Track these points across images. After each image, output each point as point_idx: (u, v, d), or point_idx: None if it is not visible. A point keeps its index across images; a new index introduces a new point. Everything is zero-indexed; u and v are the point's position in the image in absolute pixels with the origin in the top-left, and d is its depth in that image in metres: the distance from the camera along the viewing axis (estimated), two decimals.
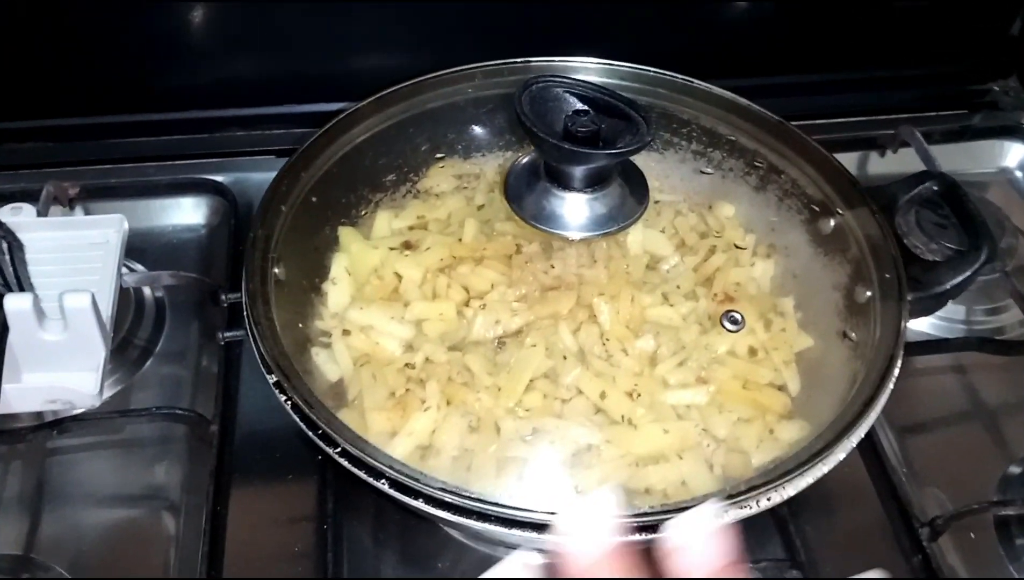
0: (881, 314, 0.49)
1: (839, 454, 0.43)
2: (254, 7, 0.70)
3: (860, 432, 0.43)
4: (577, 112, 0.45)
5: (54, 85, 0.72)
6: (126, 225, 0.63)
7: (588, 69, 0.59)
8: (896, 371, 0.45)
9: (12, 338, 0.54)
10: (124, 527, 0.54)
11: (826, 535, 0.54)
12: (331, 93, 0.72)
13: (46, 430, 0.56)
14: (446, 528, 0.55)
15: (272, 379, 0.44)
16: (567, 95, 0.46)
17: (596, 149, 0.44)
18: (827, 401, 0.49)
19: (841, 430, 0.44)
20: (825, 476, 0.45)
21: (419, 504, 0.39)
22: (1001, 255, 0.66)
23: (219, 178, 0.71)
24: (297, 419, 0.42)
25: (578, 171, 0.46)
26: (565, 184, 0.48)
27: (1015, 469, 0.60)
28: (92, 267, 0.61)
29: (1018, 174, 0.79)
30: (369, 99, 0.57)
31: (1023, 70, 0.82)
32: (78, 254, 0.62)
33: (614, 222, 0.49)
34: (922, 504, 0.56)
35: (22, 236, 0.61)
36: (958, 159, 0.77)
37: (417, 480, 0.39)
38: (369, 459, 0.40)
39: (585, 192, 0.48)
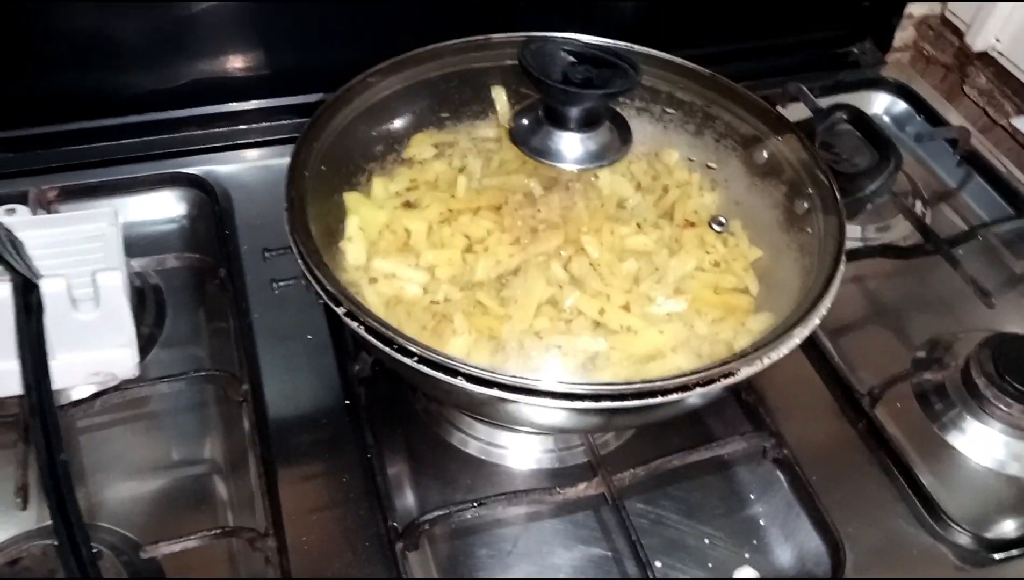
0: (823, 217, 0.59)
1: (814, 320, 0.52)
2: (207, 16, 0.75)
3: (828, 300, 0.53)
4: (572, 63, 0.54)
5: (13, 97, 0.74)
6: (119, 216, 0.67)
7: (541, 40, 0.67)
8: (844, 258, 0.56)
9: (48, 320, 0.57)
10: (174, 486, 0.59)
11: (787, 414, 0.65)
12: (290, 88, 0.78)
13: (86, 404, 0.59)
14: (465, 450, 0.62)
15: (342, 310, 0.49)
16: (560, 51, 0.54)
17: (592, 90, 0.53)
18: (785, 296, 0.59)
19: (812, 303, 0.53)
20: (778, 370, 0.54)
21: (494, 391, 0.46)
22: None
23: (192, 171, 0.76)
24: (373, 339, 0.48)
25: (576, 112, 0.55)
26: (564, 125, 0.56)
27: (921, 352, 0.72)
28: (95, 258, 0.64)
29: (885, 118, 0.93)
30: (356, 78, 0.63)
31: (875, 33, 0.97)
32: (78, 247, 0.65)
33: (605, 158, 0.57)
34: (858, 383, 0.67)
35: (20, 234, 0.64)
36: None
37: (492, 372, 0.46)
38: (445, 361, 0.47)
39: (580, 131, 0.56)
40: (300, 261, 0.52)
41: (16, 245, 0.62)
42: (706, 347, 0.58)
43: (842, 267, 0.55)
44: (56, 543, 0.50)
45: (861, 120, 0.63)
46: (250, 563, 0.54)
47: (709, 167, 0.67)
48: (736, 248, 0.63)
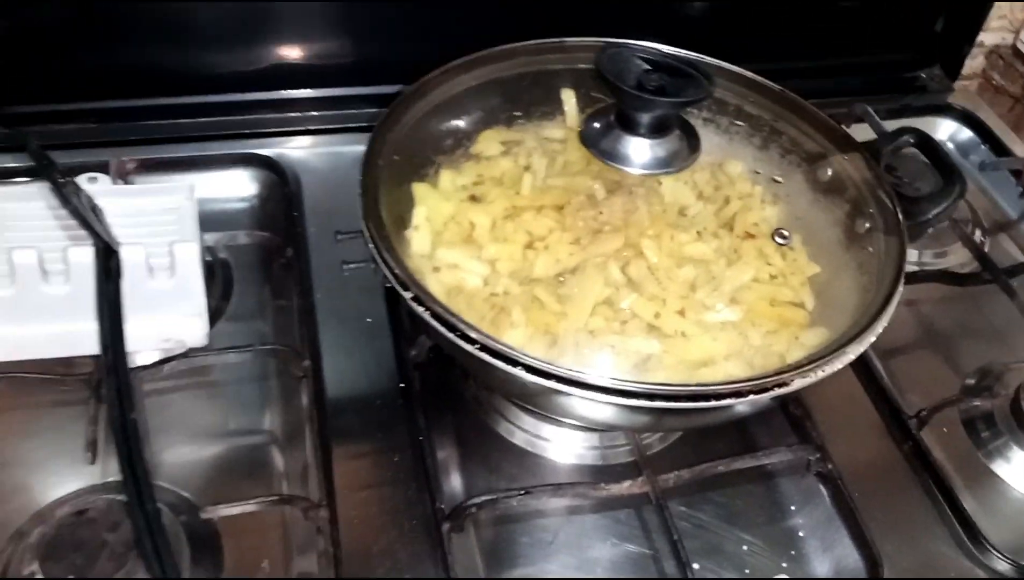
0: (883, 238, 0.60)
1: (870, 338, 0.53)
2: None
3: (884, 320, 0.54)
4: (647, 70, 0.55)
5: (98, 69, 0.77)
6: (196, 191, 0.69)
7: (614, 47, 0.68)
8: (902, 278, 0.56)
9: (125, 286, 0.59)
10: (233, 453, 0.61)
11: (833, 430, 0.65)
12: (368, 78, 0.80)
13: (154, 369, 0.61)
14: (512, 439, 0.64)
15: (409, 295, 0.51)
16: (635, 58, 0.55)
17: (667, 97, 0.54)
18: (841, 313, 0.59)
19: (868, 321, 0.54)
20: (827, 386, 0.54)
21: (551, 383, 0.48)
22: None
23: (265, 152, 0.78)
24: (437, 325, 0.50)
25: (647, 118, 0.56)
26: (634, 131, 0.57)
27: (971, 380, 0.72)
28: (171, 229, 0.67)
29: (949, 145, 0.93)
30: (432, 73, 0.65)
31: (944, 60, 0.97)
32: (155, 218, 0.68)
33: (673, 164, 0.58)
34: (906, 405, 0.68)
35: (100, 202, 0.67)
36: None
37: (550, 363, 0.48)
38: (505, 350, 0.48)
39: (651, 137, 0.57)
40: (371, 245, 0.54)
41: (96, 212, 0.65)
42: (759, 358, 0.59)
43: (901, 287, 0.56)
44: (121, 498, 0.52)
45: (928, 145, 0.63)
46: (301, 532, 0.56)
47: (773, 181, 0.68)
48: (795, 262, 0.64)
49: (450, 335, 0.49)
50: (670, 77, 0.55)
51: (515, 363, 0.48)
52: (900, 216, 0.59)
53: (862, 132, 0.85)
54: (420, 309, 0.51)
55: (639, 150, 0.58)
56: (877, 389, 0.68)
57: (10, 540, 0.53)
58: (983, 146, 0.91)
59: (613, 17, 0.81)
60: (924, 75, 0.97)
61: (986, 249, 0.81)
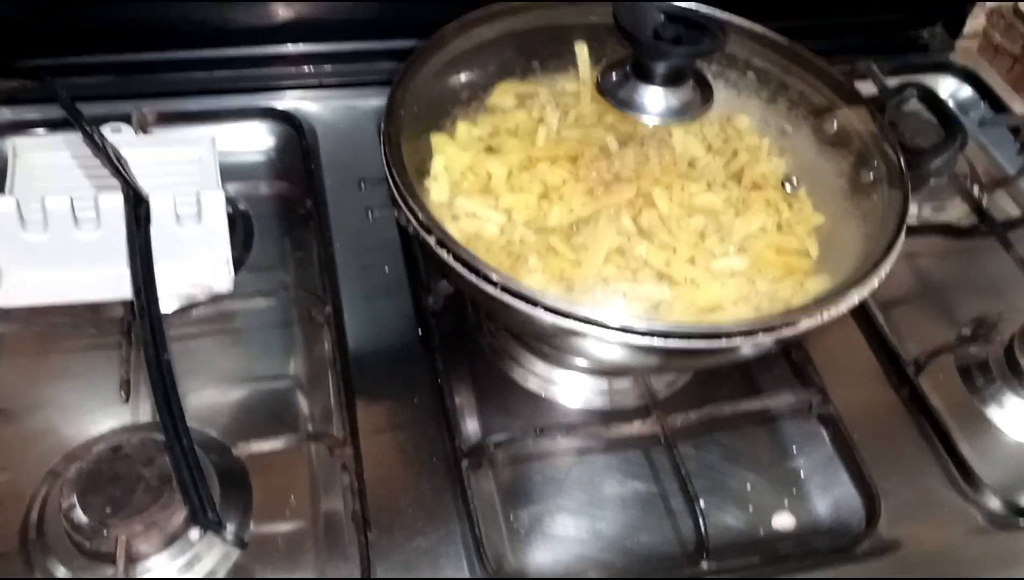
0: (887, 189, 0.62)
1: (873, 282, 0.55)
2: None
3: (888, 264, 0.56)
4: (663, 22, 0.57)
5: (119, 22, 0.78)
6: (216, 143, 0.71)
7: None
8: (904, 225, 0.58)
9: (153, 232, 0.61)
10: (259, 396, 0.63)
11: (834, 375, 0.67)
12: (379, 32, 0.82)
13: (182, 315, 0.64)
14: (526, 386, 0.66)
15: (433, 239, 0.53)
16: (652, 11, 0.57)
17: (684, 47, 0.56)
18: (844, 261, 0.61)
19: (868, 270, 0.56)
20: (827, 333, 0.57)
21: (570, 323, 0.50)
22: (947, 163, 0.81)
23: (281, 106, 0.80)
24: (459, 266, 0.52)
25: (663, 68, 0.58)
26: (650, 80, 0.59)
27: (966, 329, 0.74)
28: (194, 180, 0.69)
29: (950, 101, 0.95)
30: (448, 26, 0.67)
31: (946, 18, 0.98)
32: (177, 168, 0.70)
33: (687, 113, 0.60)
34: (904, 352, 0.70)
35: (124, 152, 0.68)
36: None
37: (569, 303, 0.50)
38: (526, 291, 0.51)
39: (666, 86, 0.59)
40: (395, 191, 0.56)
41: (122, 161, 0.67)
42: (765, 303, 0.61)
43: (903, 235, 0.58)
44: (155, 436, 0.55)
45: (930, 98, 0.65)
46: (326, 469, 0.59)
47: (781, 133, 0.70)
48: (800, 212, 0.66)
49: (473, 277, 0.52)
50: (685, 29, 0.57)
51: (535, 303, 0.51)
52: (903, 167, 0.61)
53: (866, 89, 0.87)
54: (443, 252, 0.53)
55: (654, 99, 0.60)
56: (877, 337, 0.71)
57: (46, 477, 0.56)
58: (983, 103, 0.93)
59: None
60: (926, 34, 0.98)
61: (984, 204, 0.83)
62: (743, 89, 0.71)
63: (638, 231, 0.63)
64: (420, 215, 0.54)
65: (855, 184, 0.65)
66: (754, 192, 0.66)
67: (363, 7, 0.82)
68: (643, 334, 0.50)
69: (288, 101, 0.81)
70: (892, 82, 0.88)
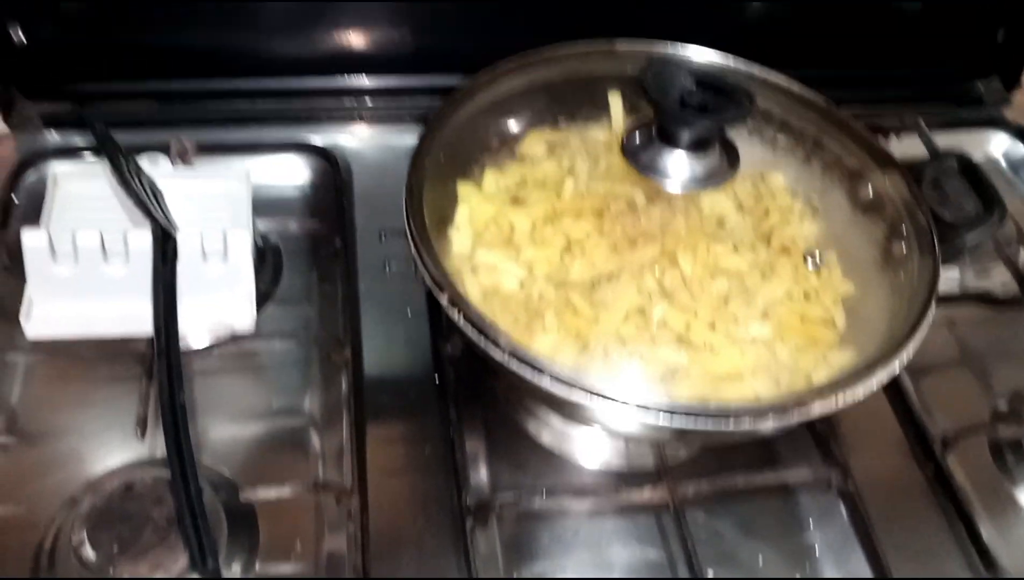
0: (917, 262, 0.60)
1: (895, 366, 0.54)
2: None
3: (912, 347, 0.54)
4: (690, 88, 0.56)
5: (166, 49, 0.80)
6: (251, 177, 0.72)
7: (663, 53, 0.69)
8: (934, 304, 0.57)
9: (180, 269, 0.62)
10: (273, 437, 0.63)
11: (857, 449, 0.66)
12: (425, 68, 0.82)
13: (204, 353, 0.65)
14: (539, 440, 0.66)
15: (444, 298, 0.53)
16: (680, 73, 0.56)
17: (706, 117, 0.55)
18: (871, 334, 0.60)
19: (892, 351, 0.55)
20: (854, 406, 0.55)
21: (575, 395, 0.50)
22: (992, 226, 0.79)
23: (318, 141, 0.80)
24: (469, 329, 0.52)
25: (687, 134, 0.57)
26: (675, 145, 0.58)
27: (1003, 404, 0.72)
28: (226, 214, 0.70)
29: (1001, 159, 0.92)
30: (487, 72, 0.67)
31: (1003, 71, 0.95)
32: (211, 202, 0.71)
33: (711, 181, 0.59)
34: (933, 428, 0.68)
35: (160, 183, 0.70)
36: (951, 145, 0.89)
37: (575, 375, 0.50)
38: (533, 359, 0.50)
39: (690, 153, 0.58)
40: (412, 247, 0.56)
41: (156, 193, 0.68)
42: (785, 375, 0.60)
43: (931, 315, 0.56)
44: (167, 475, 0.56)
45: (971, 170, 0.64)
46: (333, 515, 0.59)
47: (814, 195, 0.68)
48: (828, 280, 0.64)
49: (481, 340, 0.51)
50: (713, 95, 0.56)
51: (541, 371, 0.50)
52: (935, 241, 0.60)
53: (912, 143, 0.86)
54: (454, 312, 0.53)
55: (678, 165, 0.59)
56: (905, 409, 0.69)
57: (62, 507, 0.57)
58: None
59: (666, 19, 0.81)
60: (981, 86, 0.95)
61: None
62: (778, 147, 0.70)
63: (660, 291, 0.62)
64: (434, 272, 0.54)
65: (887, 254, 0.64)
66: (782, 256, 0.65)
67: (406, 41, 0.83)
68: (647, 410, 0.49)
69: (328, 134, 0.82)
70: (942, 138, 0.86)
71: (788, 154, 0.70)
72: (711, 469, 0.63)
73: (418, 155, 0.60)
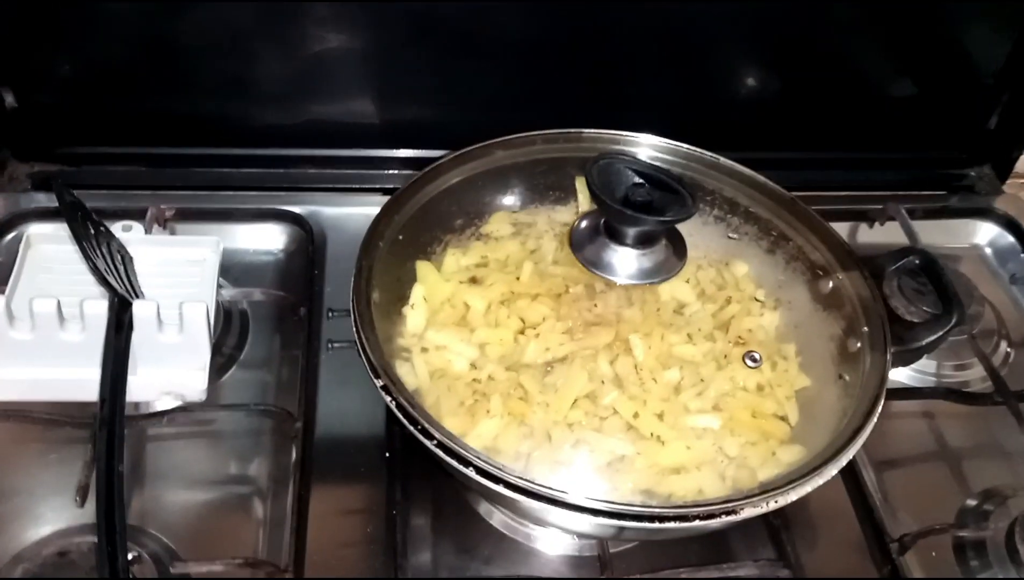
0: (869, 362, 0.59)
1: (830, 471, 0.53)
2: (337, 62, 0.81)
3: (848, 455, 0.53)
4: (635, 184, 0.56)
5: (154, 116, 0.82)
6: (222, 246, 0.73)
7: (632, 142, 0.70)
8: (879, 408, 0.56)
9: (135, 338, 0.63)
10: (219, 505, 0.64)
11: (811, 544, 0.65)
12: (401, 141, 0.84)
13: (156, 418, 0.65)
14: (489, 521, 0.65)
15: (380, 383, 0.53)
16: (627, 170, 0.57)
17: (650, 216, 0.55)
18: (821, 431, 0.59)
19: (832, 454, 0.54)
20: (813, 497, 0.54)
21: (499, 488, 0.49)
22: (969, 320, 0.77)
23: (296, 209, 0.82)
24: (400, 416, 0.52)
25: (633, 231, 0.57)
26: (621, 240, 0.58)
27: (971, 502, 0.70)
28: (192, 281, 0.71)
29: (987, 250, 0.91)
30: (449, 155, 0.68)
31: (996, 160, 0.94)
32: (179, 269, 0.72)
33: (657, 275, 0.59)
34: (893, 525, 0.66)
35: (132, 250, 0.71)
36: (937, 234, 0.88)
37: (500, 469, 0.49)
38: (460, 450, 0.50)
39: (636, 248, 0.58)
40: (354, 329, 0.56)
41: (126, 260, 0.70)
42: (731, 470, 0.59)
43: (874, 420, 0.55)
44: None
45: (931, 269, 0.63)
46: None
47: (777, 286, 0.68)
48: (784, 373, 0.64)
49: (411, 428, 0.51)
50: (659, 192, 0.56)
51: (468, 464, 0.50)
52: (888, 341, 0.59)
53: (894, 232, 0.85)
54: (387, 398, 0.53)
55: (624, 260, 0.59)
56: (864, 505, 0.67)
57: None
58: (1023, 256, 0.88)
59: (636, 107, 0.83)
60: (973, 173, 0.94)
61: (1010, 362, 0.79)
62: (743, 236, 0.70)
63: (612, 377, 0.62)
64: (372, 356, 0.54)
65: (843, 350, 0.63)
66: (737, 347, 0.64)
67: (388, 113, 0.84)
68: (573, 509, 0.49)
69: (305, 204, 0.83)
70: (927, 227, 0.86)
71: (753, 244, 0.70)
72: (657, 560, 0.62)
73: (371, 236, 0.61)
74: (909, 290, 0.63)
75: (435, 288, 0.65)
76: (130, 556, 0.58)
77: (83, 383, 0.62)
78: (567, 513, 0.49)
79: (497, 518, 0.65)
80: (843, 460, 0.53)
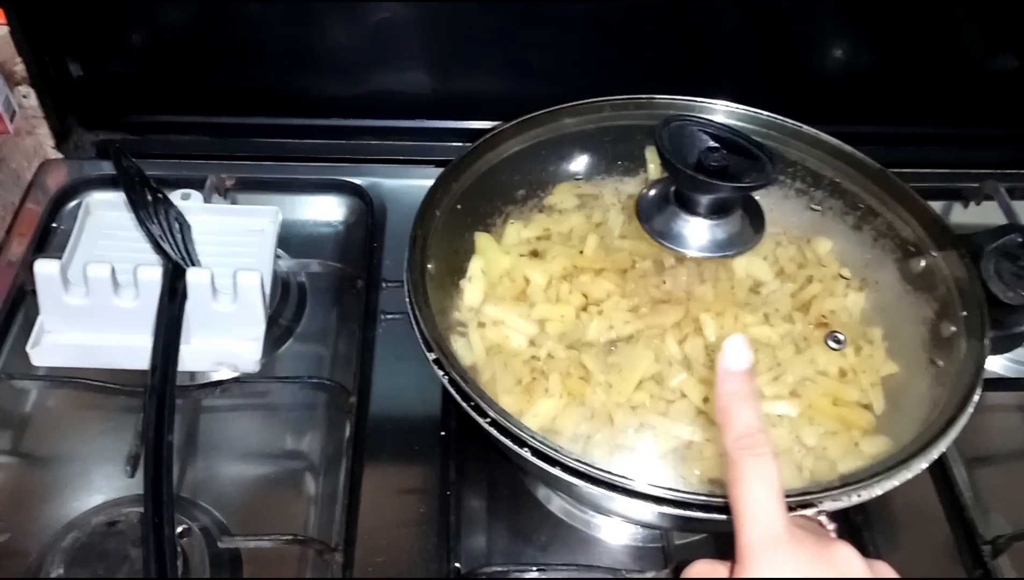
0: (965, 348, 0.54)
1: (919, 465, 0.48)
2: (400, 31, 0.78)
3: (940, 448, 0.49)
4: (710, 148, 0.52)
5: (216, 85, 0.81)
6: (280, 216, 0.72)
7: (708, 109, 0.66)
8: (975, 398, 0.51)
9: (189, 306, 0.62)
10: (271, 480, 0.62)
11: (895, 545, 0.60)
12: (463, 112, 0.81)
13: (210, 388, 0.64)
14: (548, 506, 0.62)
15: (432, 357, 0.51)
16: (700, 133, 0.52)
17: (726, 181, 0.51)
18: (909, 422, 0.54)
19: (921, 446, 0.49)
20: (899, 493, 0.50)
21: (555, 471, 0.46)
22: None
23: (357, 181, 0.80)
24: (453, 392, 0.49)
25: (706, 199, 0.53)
26: (692, 210, 0.54)
27: None
28: (250, 251, 0.70)
29: None
30: (511, 122, 0.64)
31: None
32: (238, 238, 0.71)
33: (732, 247, 0.55)
34: (985, 526, 0.61)
35: (190, 219, 0.70)
36: None
37: (557, 451, 0.46)
38: (516, 429, 0.47)
39: (709, 218, 0.54)
40: (407, 300, 0.54)
41: (183, 228, 0.69)
42: (809, 461, 0.55)
43: (969, 410, 0.50)
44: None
45: None
46: (319, 567, 0.57)
47: (863, 265, 0.63)
48: (869, 359, 0.59)
49: (464, 404, 0.49)
50: (735, 156, 0.52)
51: (523, 444, 0.47)
52: (986, 326, 0.54)
53: (991, 211, 0.79)
54: (439, 372, 0.50)
55: (696, 231, 0.55)
56: (954, 503, 0.62)
57: (49, 538, 0.57)
58: None
59: (722, 75, 0.78)
60: None
61: None
62: (828, 211, 0.65)
63: (682, 358, 0.58)
64: (424, 328, 0.51)
65: (935, 335, 0.58)
66: (819, 329, 0.60)
67: (450, 84, 0.82)
68: (632, 495, 0.45)
69: (367, 175, 0.80)
70: (1020, 207, 0.79)
71: (838, 219, 0.65)
72: (725, 555, 0.57)
73: (427, 205, 0.58)
74: (1008, 273, 0.58)
75: (494, 261, 0.62)
76: (179, 528, 0.57)
77: (137, 350, 0.61)
78: (628, 500, 0.46)
79: (556, 504, 0.62)
80: (934, 453, 0.48)
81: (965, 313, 0.56)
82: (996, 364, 0.71)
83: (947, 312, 0.57)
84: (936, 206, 0.79)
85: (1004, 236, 0.59)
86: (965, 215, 0.83)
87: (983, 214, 0.81)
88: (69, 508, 0.58)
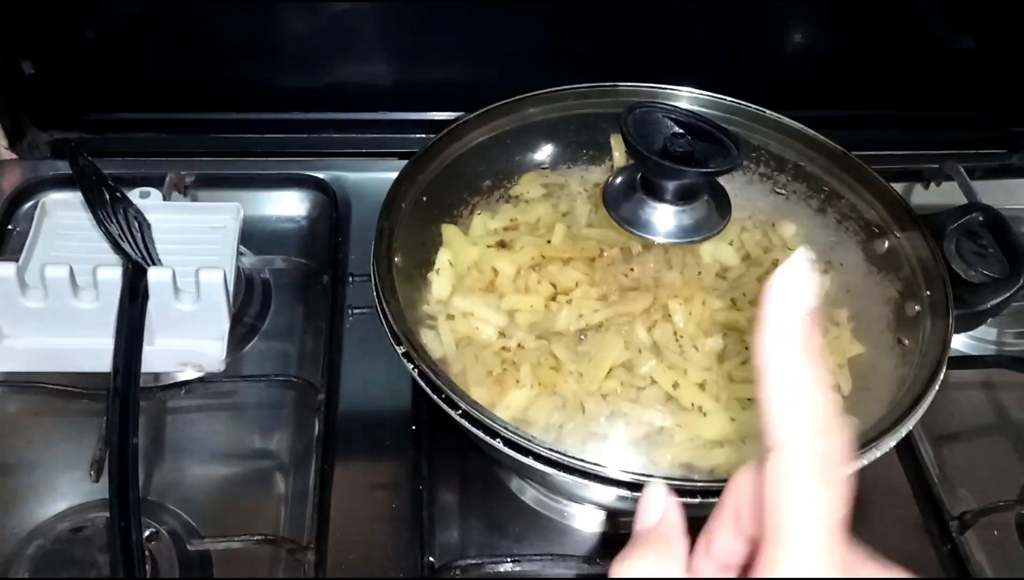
0: (930, 327, 0.55)
1: (887, 444, 0.49)
2: (360, 22, 0.77)
3: (908, 426, 0.49)
4: (675, 134, 0.52)
5: (174, 81, 0.80)
6: (242, 212, 0.71)
7: (672, 95, 0.66)
8: (941, 376, 0.52)
9: (151, 306, 0.60)
10: (239, 480, 0.61)
11: (863, 523, 0.61)
12: (426, 103, 0.80)
13: (175, 389, 0.63)
14: (521, 497, 0.62)
15: (401, 350, 0.50)
16: (665, 119, 0.52)
17: (691, 167, 0.51)
18: (876, 402, 0.55)
19: (889, 425, 0.49)
20: (866, 472, 0.50)
21: (528, 460, 0.46)
22: None
23: (320, 175, 0.79)
24: (423, 385, 0.49)
25: (672, 185, 0.53)
26: (658, 196, 0.54)
27: None
28: (212, 249, 0.68)
29: None
30: (475, 112, 0.64)
31: None
32: (199, 236, 0.69)
33: (699, 233, 0.55)
34: (952, 502, 0.62)
35: (150, 217, 0.69)
36: (995, 195, 0.82)
37: (529, 441, 0.46)
38: (488, 420, 0.47)
39: (675, 204, 0.54)
40: (375, 294, 0.53)
41: (143, 227, 0.67)
42: None
43: (935, 388, 0.51)
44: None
45: (996, 225, 0.58)
46: (291, 567, 0.56)
47: (827, 248, 0.63)
48: (836, 340, 0.59)
49: (435, 397, 0.48)
50: (700, 142, 0.52)
51: (495, 435, 0.47)
52: (950, 304, 0.54)
53: (951, 192, 0.80)
54: (409, 366, 0.50)
55: (662, 217, 0.54)
56: (921, 481, 0.63)
57: (11, 549, 0.55)
58: None
59: (685, 61, 0.78)
60: None
61: None
62: (791, 195, 0.66)
63: (650, 345, 0.58)
64: (393, 322, 0.51)
65: (900, 315, 0.58)
66: None
67: (413, 75, 0.81)
68: (604, 482, 0.45)
69: (328, 169, 0.80)
70: (986, 187, 0.80)
71: (802, 202, 0.65)
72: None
73: (393, 197, 0.58)
74: (969, 252, 0.59)
75: (461, 252, 0.62)
76: (147, 532, 0.56)
77: (99, 353, 0.59)
78: (601, 487, 0.46)
79: (529, 494, 0.62)
80: (902, 431, 0.49)
81: (929, 293, 0.57)
82: (959, 342, 0.72)
83: (911, 292, 0.58)
84: (898, 187, 0.81)
85: (965, 216, 0.60)
86: (926, 196, 0.84)
87: (944, 195, 0.82)
88: (33, 515, 0.56)
